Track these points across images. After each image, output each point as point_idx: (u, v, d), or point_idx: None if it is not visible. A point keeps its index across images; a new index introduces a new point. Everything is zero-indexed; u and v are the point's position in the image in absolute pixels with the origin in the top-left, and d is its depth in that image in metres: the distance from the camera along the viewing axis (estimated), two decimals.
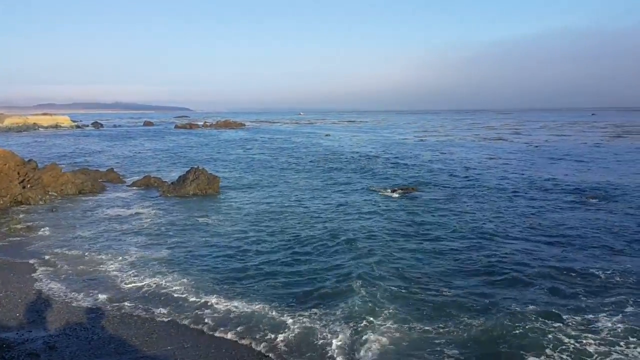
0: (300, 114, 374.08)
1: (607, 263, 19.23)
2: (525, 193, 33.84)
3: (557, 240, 22.36)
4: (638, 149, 64.53)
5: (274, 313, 14.92)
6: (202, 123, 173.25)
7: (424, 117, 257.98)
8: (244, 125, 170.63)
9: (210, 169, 41.38)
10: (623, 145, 69.70)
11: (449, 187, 37.02)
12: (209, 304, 15.68)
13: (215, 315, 14.87)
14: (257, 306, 15.38)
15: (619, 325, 13.89)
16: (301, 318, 14.50)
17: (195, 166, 38.21)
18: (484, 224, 25.61)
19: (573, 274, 18.04)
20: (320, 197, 33.47)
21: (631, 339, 13.05)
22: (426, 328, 13.87)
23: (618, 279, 17.50)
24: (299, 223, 26.15)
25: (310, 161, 55.69)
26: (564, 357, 12.33)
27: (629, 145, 70.48)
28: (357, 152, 65.21)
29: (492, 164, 50.40)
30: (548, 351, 12.59)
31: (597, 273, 18.03)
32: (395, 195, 33.94)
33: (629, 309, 14.93)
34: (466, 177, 41.84)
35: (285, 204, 31.31)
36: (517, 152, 63.88)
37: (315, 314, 14.81)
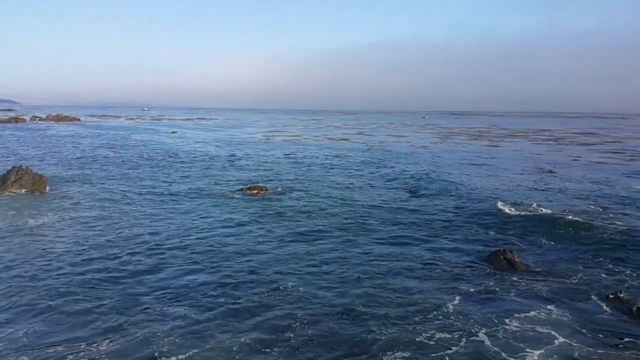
0: (144, 109, 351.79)
1: (437, 246, 21.41)
2: (364, 188, 36.18)
3: (391, 229, 24.32)
4: (455, 150, 73.02)
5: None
6: (30, 117, 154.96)
7: (273, 116, 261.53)
8: (80, 120, 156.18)
9: (36, 168, 37.05)
10: (447, 148, 78.17)
11: (295, 184, 37.92)
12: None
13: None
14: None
15: (462, 310, 15.47)
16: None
17: (19, 165, 33.92)
18: (331, 217, 26.79)
19: (411, 263, 19.68)
20: (156, 199, 31.84)
21: (475, 325, 14.59)
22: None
23: (454, 270, 19.51)
24: (130, 227, 24.54)
25: (151, 160, 52.76)
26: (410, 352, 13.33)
27: (452, 148, 79.27)
28: (203, 151, 63.65)
29: (337, 162, 52.89)
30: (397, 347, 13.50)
31: (433, 262, 19.92)
32: (237, 195, 33.49)
33: (464, 289, 16.74)
34: (310, 175, 43.30)
35: (119, 207, 29.20)
36: (358, 150, 67.96)
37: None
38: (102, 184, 36.87)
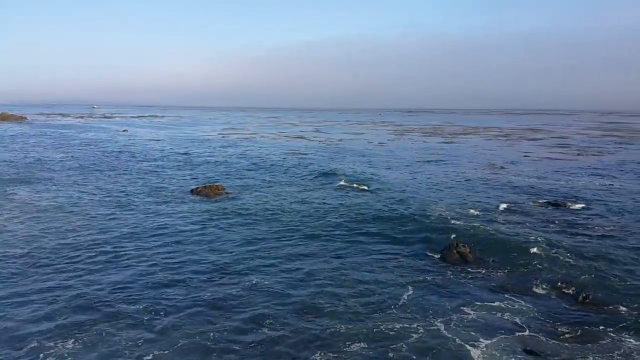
0: (94, 107, 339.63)
1: (380, 246, 21.90)
2: (321, 187, 36.62)
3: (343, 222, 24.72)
4: (411, 147, 74.51)
5: None
6: None
7: (229, 114, 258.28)
8: (26, 118, 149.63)
9: None
10: (403, 145, 79.58)
11: (251, 183, 37.83)
12: None
13: None
14: None
15: (419, 301, 15.95)
16: None
17: None
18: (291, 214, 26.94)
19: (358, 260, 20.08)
20: (108, 199, 31.19)
21: (428, 318, 15.05)
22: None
23: (399, 268, 20.02)
24: (81, 229, 24.02)
25: (101, 159, 51.24)
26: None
27: (408, 145, 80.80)
28: (157, 149, 62.40)
29: (294, 161, 52.92)
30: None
31: (389, 257, 20.41)
32: (193, 195, 33.08)
33: (420, 281, 17.23)
34: (267, 174, 43.28)
35: (69, 208, 28.40)
36: (314, 148, 68.23)
37: None
38: (50, 184, 35.64)
